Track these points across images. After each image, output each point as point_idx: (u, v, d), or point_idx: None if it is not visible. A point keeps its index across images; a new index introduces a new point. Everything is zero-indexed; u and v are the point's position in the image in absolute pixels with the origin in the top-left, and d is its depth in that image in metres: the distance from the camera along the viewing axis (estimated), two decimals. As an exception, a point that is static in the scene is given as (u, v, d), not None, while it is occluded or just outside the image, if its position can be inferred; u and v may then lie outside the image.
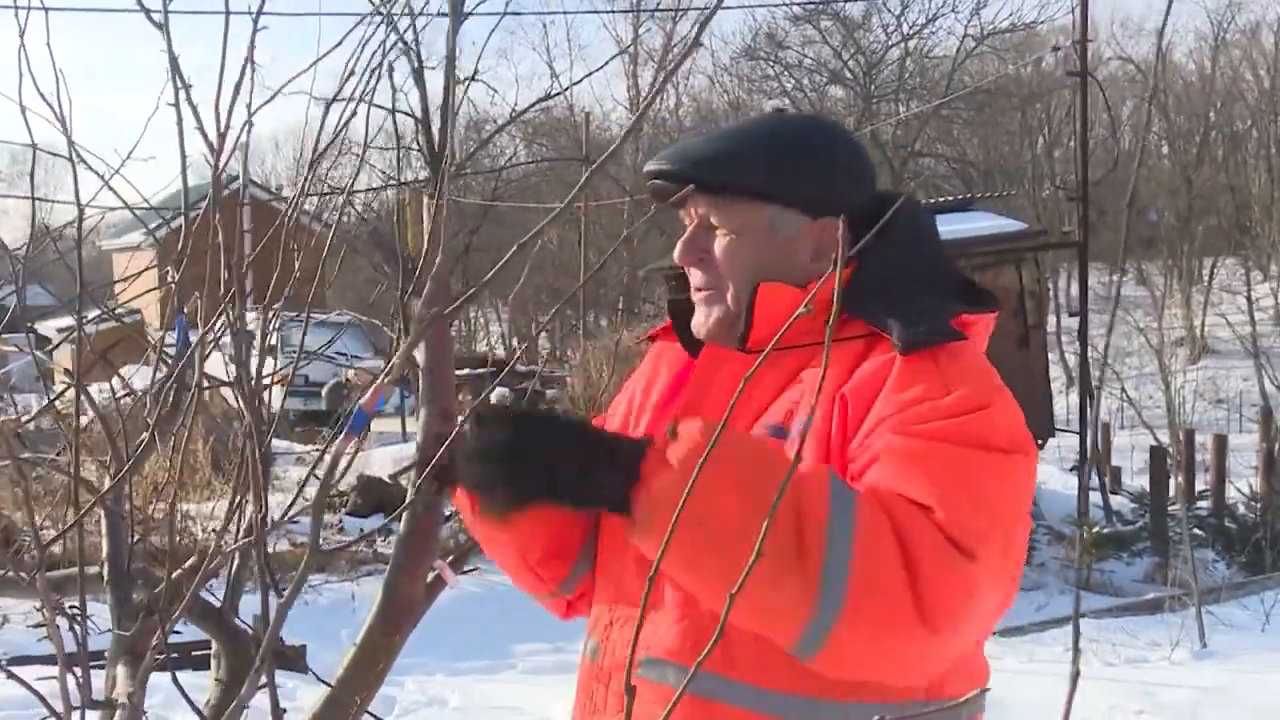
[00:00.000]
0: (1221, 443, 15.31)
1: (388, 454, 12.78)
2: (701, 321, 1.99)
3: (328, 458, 1.49)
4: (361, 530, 10.27)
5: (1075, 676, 0.94)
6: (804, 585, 1.55)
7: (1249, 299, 31.72)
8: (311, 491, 1.60)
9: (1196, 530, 12.33)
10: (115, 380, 2.53)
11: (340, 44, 1.94)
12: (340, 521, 11.10)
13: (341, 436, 1.40)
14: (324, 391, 21.84)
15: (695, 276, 2.00)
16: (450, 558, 1.95)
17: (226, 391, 2.18)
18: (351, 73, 1.72)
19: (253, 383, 1.59)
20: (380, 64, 1.85)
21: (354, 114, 1.71)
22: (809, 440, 1.78)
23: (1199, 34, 41.52)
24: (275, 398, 2.46)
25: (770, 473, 1.60)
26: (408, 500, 1.59)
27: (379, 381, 1.31)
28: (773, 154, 1.95)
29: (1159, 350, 26.59)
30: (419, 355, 1.81)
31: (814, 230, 1.96)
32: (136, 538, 2.01)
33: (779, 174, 1.94)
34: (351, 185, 2.06)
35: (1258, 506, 13.66)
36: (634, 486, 1.63)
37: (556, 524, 1.99)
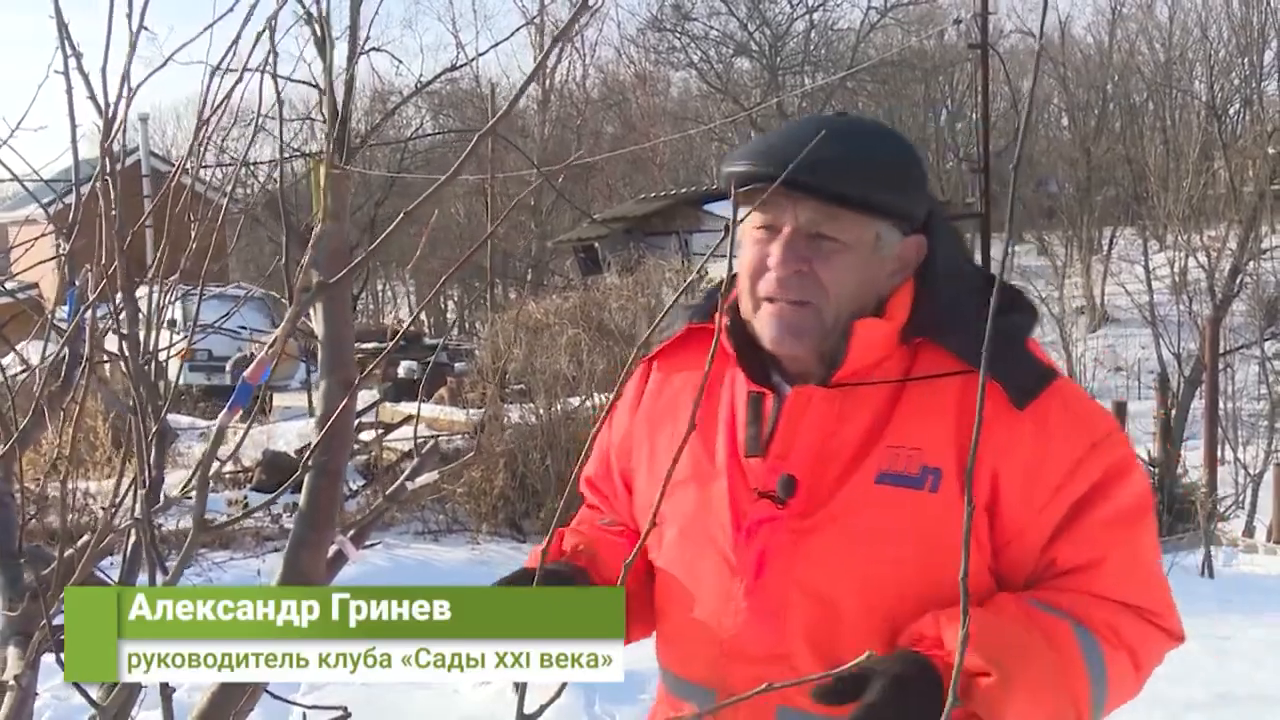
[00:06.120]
0: (1121, 409, 15.60)
1: (293, 429, 12.65)
2: (781, 335, 1.90)
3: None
4: (267, 507, 10.14)
5: (964, 640, 0.95)
6: None
7: (1147, 268, 32.30)
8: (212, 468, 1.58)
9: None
10: (10, 356, 2.47)
11: (231, 10, 1.89)
12: (245, 498, 10.97)
13: (226, 410, 1.37)
14: (228, 366, 21.51)
15: (786, 288, 1.88)
16: (352, 532, 1.92)
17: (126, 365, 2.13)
18: (239, 39, 1.68)
19: (144, 356, 1.55)
20: (271, 30, 1.81)
21: (242, 80, 1.67)
22: (958, 497, 1.83)
23: (1097, 8, 42.11)
24: (173, 371, 2.41)
25: (1057, 680, 1.74)
26: (299, 471, 1.57)
27: (263, 353, 1.29)
28: (888, 168, 1.90)
29: (1060, 319, 27.06)
30: (318, 327, 1.78)
31: (900, 247, 1.93)
32: (31, 516, 1.96)
33: (894, 190, 1.90)
34: (245, 155, 2.02)
35: (1155, 472, 13.93)
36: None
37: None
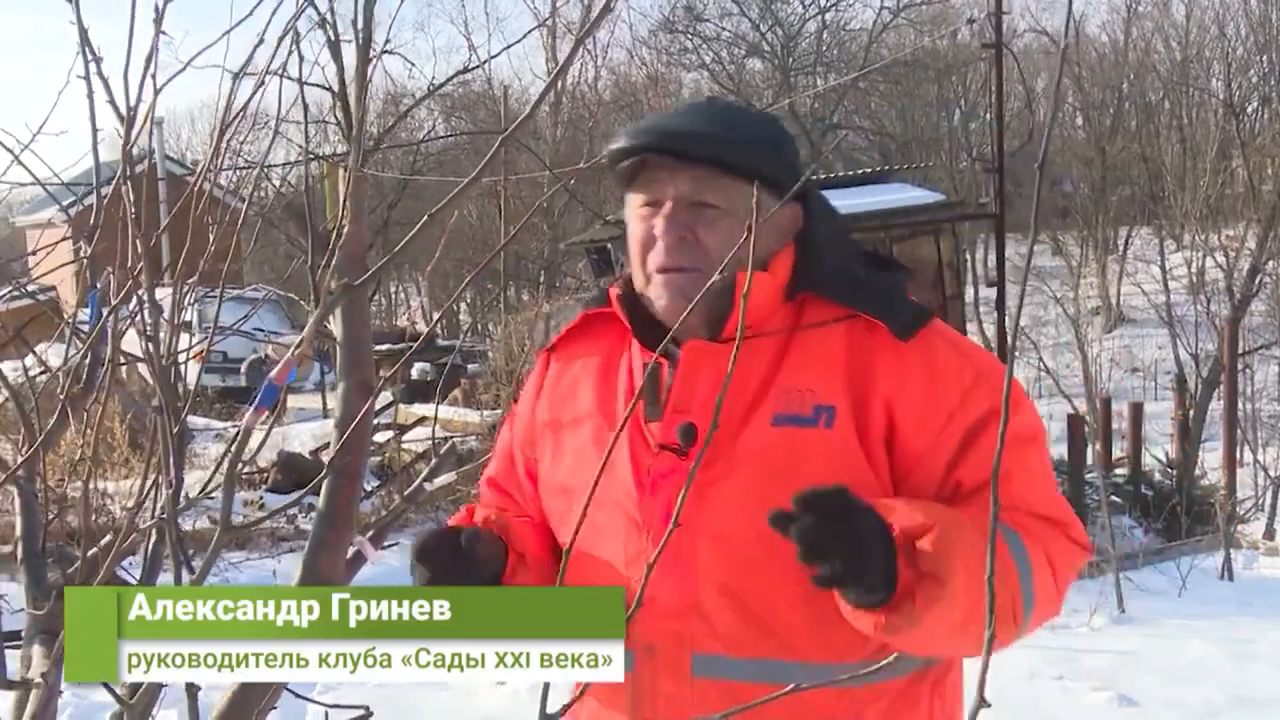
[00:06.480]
0: (1138, 410, 15.49)
1: (308, 430, 12.68)
2: (672, 302, 1.97)
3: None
4: (289, 507, 10.16)
5: (990, 640, 0.96)
6: (1011, 629, 1.79)
7: (1163, 268, 32.13)
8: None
9: (1114, 497, 12.50)
10: (30, 358, 2.49)
11: (251, 14, 1.91)
12: (261, 498, 11.00)
13: (251, 410, 1.38)
14: (243, 368, 21.59)
15: (673, 256, 1.96)
16: (370, 533, 1.93)
17: (144, 368, 2.15)
18: (261, 42, 1.69)
19: (165, 358, 1.56)
20: (292, 34, 1.82)
21: (263, 85, 1.68)
22: (852, 431, 1.88)
23: (1112, 6, 41.98)
24: (192, 373, 2.43)
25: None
26: (324, 473, 1.58)
27: (289, 354, 1.30)
28: (759, 138, 2.00)
29: (1075, 320, 26.98)
30: (336, 329, 1.79)
31: (776, 214, 1.98)
32: (53, 516, 1.98)
33: (765, 157, 1.99)
34: (265, 159, 2.03)
35: (1173, 473, 13.85)
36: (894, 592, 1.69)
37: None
